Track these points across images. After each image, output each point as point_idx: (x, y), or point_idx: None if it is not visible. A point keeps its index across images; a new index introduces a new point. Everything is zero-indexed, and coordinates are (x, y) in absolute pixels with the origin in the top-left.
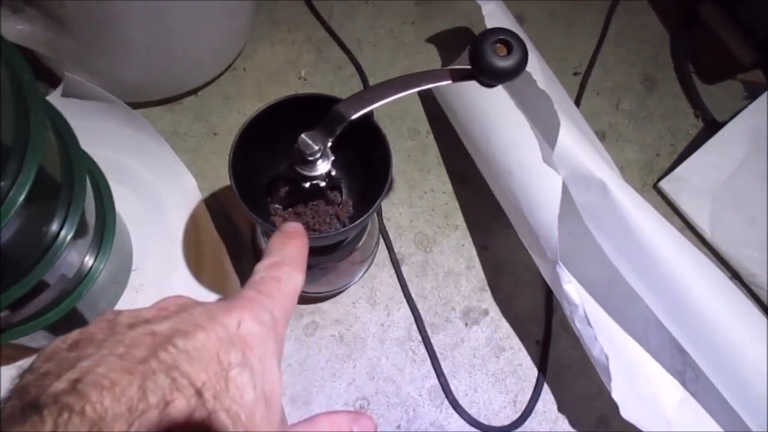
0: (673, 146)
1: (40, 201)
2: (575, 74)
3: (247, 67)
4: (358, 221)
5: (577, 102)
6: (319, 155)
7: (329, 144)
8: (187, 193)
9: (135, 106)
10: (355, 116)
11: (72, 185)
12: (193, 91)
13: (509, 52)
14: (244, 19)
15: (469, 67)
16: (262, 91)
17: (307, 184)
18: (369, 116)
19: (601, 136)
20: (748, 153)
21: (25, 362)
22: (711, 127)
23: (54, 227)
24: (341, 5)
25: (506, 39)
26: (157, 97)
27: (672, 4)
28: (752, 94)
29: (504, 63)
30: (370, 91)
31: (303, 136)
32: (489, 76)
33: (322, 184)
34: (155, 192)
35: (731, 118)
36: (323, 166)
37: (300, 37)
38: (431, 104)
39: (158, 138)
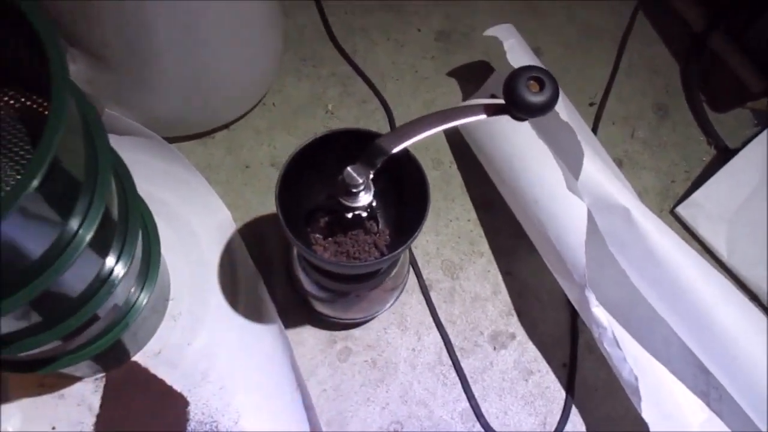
0: (688, 173)
1: (101, 238)
2: (591, 105)
3: (276, 102)
4: (400, 249)
5: (594, 131)
6: (362, 187)
7: (371, 176)
8: (221, 224)
9: (169, 140)
10: (395, 150)
11: (127, 222)
12: (225, 126)
13: (541, 88)
14: (274, 56)
15: (502, 101)
16: (291, 125)
17: (350, 215)
18: (407, 150)
19: (618, 164)
20: (762, 179)
21: (67, 390)
22: (723, 153)
23: (110, 262)
24: (364, 42)
25: (539, 76)
26: (190, 132)
27: (681, 35)
28: (762, 122)
29: (537, 99)
30: (409, 126)
31: (348, 169)
32: (523, 111)
33: (364, 214)
34: (190, 223)
35: (743, 145)
36: (365, 198)
37: (325, 73)
38: (454, 136)
39: (193, 171)
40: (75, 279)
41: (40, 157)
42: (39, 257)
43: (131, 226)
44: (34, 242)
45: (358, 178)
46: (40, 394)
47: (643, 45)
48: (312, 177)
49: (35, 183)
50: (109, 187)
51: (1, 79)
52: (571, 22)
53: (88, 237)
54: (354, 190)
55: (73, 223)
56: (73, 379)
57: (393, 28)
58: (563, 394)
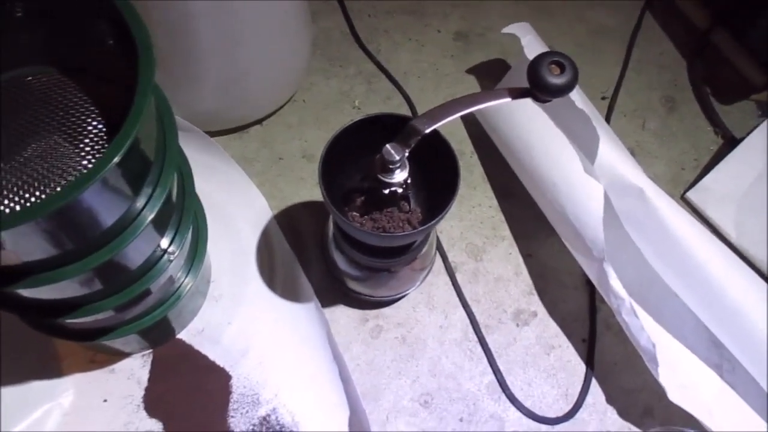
0: (697, 161)
1: (161, 217)
2: (603, 98)
3: (306, 99)
4: (431, 222)
5: (607, 122)
6: (398, 164)
7: (406, 155)
8: (259, 212)
9: (208, 134)
10: (428, 130)
11: (183, 205)
12: (259, 121)
13: (562, 71)
14: (303, 57)
15: (527, 86)
16: (321, 120)
17: (387, 191)
18: (438, 133)
19: (631, 153)
20: (766, 164)
21: (117, 366)
22: (730, 142)
23: (165, 241)
24: (387, 42)
25: (559, 60)
26: (227, 127)
27: (686, 33)
28: (765, 112)
29: (558, 80)
30: (440, 108)
31: (387, 146)
32: (545, 93)
33: (400, 190)
34: (229, 211)
35: (748, 133)
36: (401, 175)
37: (352, 71)
38: (474, 128)
39: (232, 163)
40: (135, 252)
41: (124, 134)
42: (108, 228)
43: (187, 209)
44: (106, 213)
45: (396, 155)
46: (91, 369)
47: (650, 43)
48: (348, 161)
49: (118, 158)
50: (174, 170)
51: (75, 64)
52: (581, 22)
53: (153, 214)
54: (391, 167)
55: (141, 200)
56: (122, 355)
57: (414, 29)
58: (583, 367)
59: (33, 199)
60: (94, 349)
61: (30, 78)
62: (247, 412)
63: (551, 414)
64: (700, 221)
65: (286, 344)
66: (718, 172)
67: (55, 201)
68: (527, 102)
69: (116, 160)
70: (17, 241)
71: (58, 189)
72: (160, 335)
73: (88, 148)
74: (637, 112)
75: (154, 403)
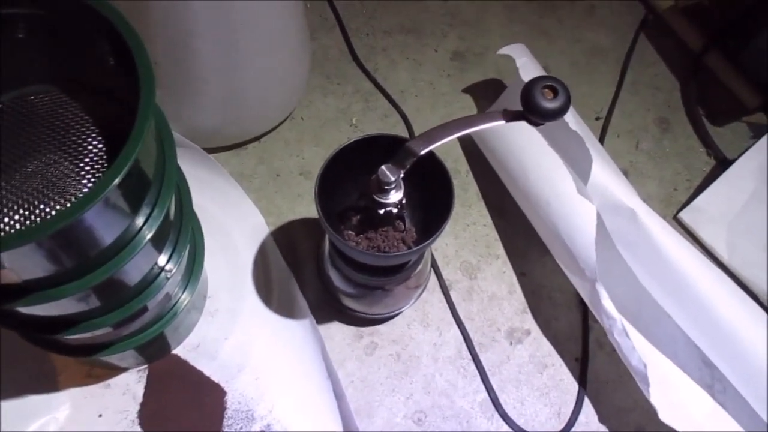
0: (689, 181)
1: (159, 235)
2: (597, 119)
3: (304, 116)
4: (426, 242)
5: (601, 142)
6: (394, 185)
7: (401, 176)
8: (255, 228)
9: (207, 151)
10: (423, 152)
11: (181, 223)
12: (257, 138)
13: (555, 95)
14: (301, 75)
15: (520, 109)
16: (318, 137)
17: (382, 211)
18: (433, 153)
19: (624, 173)
20: (758, 185)
21: (113, 381)
22: (722, 163)
23: (163, 259)
24: (384, 61)
25: (552, 85)
26: (225, 143)
27: (680, 54)
28: (757, 134)
29: (551, 104)
30: (436, 130)
31: (383, 167)
32: (538, 116)
33: (395, 210)
34: (226, 227)
35: (740, 155)
36: (396, 195)
37: (349, 89)
38: (470, 147)
39: (229, 179)
40: (133, 270)
41: (125, 156)
42: (107, 247)
43: (184, 226)
44: (106, 233)
45: (391, 177)
46: (87, 384)
47: (645, 64)
48: (345, 180)
49: (119, 179)
50: (172, 189)
51: (76, 81)
52: (577, 43)
53: (151, 232)
54: (387, 188)
55: (140, 219)
56: (118, 370)
57: (411, 48)
58: (576, 386)
59: (33, 217)
60: (90, 364)
61: (33, 97)
62: (241, 428)
63: None
64: (692, 242)
65: (281, 360)
66: (710, 193)
67: (55, 222)
68: (522, 123)
69: (117, 181)
70: (17, 260)
71: (58, 207)
72: (156, 351)
73: (87, 168)
74: (631, 133)
75: (149, 418)
